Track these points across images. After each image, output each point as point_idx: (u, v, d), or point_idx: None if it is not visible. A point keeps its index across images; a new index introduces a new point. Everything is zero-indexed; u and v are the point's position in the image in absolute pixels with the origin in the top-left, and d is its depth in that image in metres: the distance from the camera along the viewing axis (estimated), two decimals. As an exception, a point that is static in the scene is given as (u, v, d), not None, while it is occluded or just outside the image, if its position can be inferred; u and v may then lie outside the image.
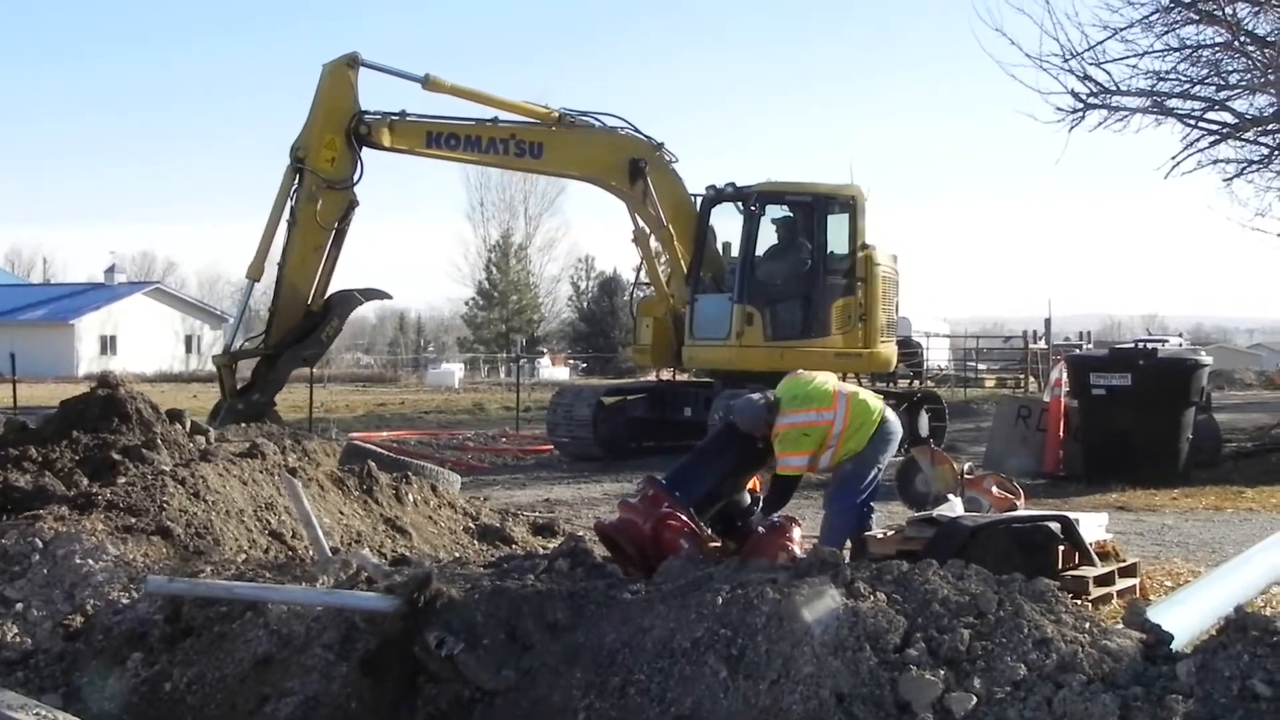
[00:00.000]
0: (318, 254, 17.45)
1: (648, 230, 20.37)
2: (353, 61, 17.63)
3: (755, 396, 9.14)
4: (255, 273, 18.05)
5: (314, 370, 23.26)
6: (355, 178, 17.68)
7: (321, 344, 17.99)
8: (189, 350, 75.41)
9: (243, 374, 17.97)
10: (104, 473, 9.27)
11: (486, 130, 18.92)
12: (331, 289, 17.82)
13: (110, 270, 79.11)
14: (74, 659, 6.65)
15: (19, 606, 7.08)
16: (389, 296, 19.35)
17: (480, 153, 19.37)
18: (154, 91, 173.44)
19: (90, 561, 7.37)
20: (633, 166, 19.81)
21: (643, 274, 22.32)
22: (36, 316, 71.08)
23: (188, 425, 11.21)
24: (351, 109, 17.52)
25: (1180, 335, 43.61)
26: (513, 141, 19.14)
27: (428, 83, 18.06)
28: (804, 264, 19.96)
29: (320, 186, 17.19)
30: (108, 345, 70.57)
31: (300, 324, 17.40)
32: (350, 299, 18.20)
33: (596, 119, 19.91)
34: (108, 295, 74.13)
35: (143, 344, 70.23)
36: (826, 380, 9.34)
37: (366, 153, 17.78)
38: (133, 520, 8.07)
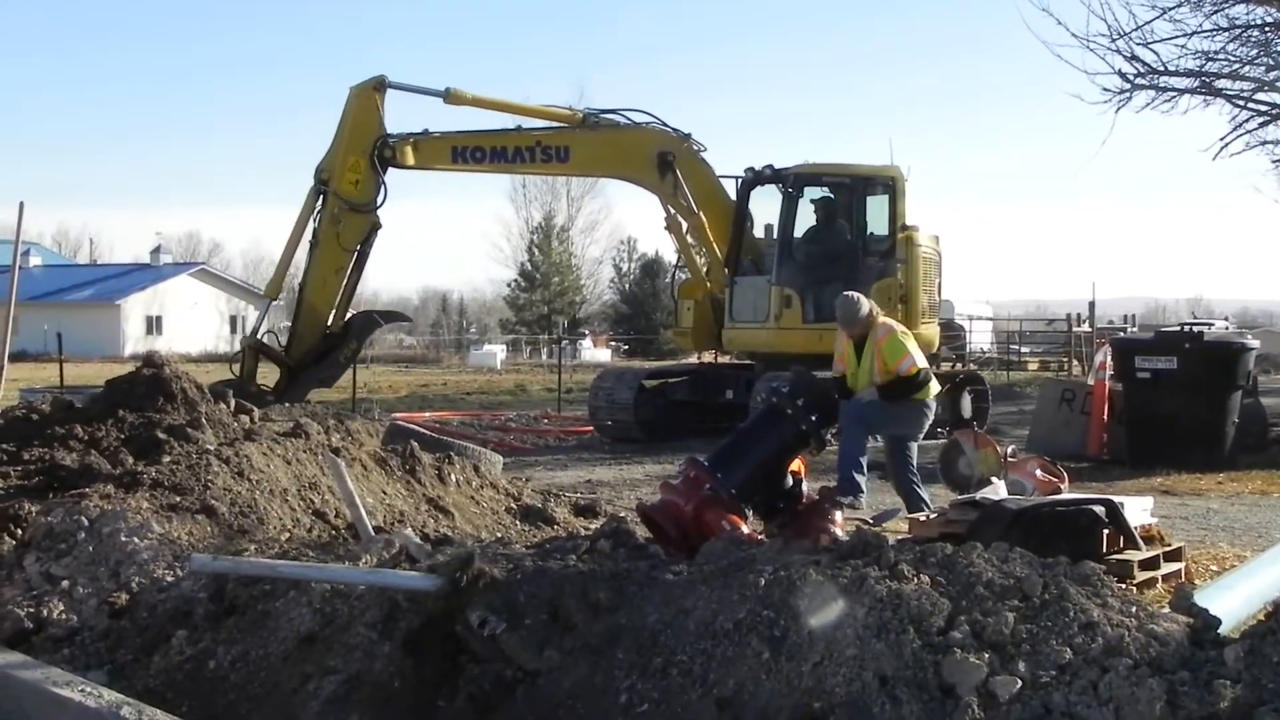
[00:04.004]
0: (339, 276, 17.51)
1: (680, 219, 20.38)
2: (380, 85, 17.67)
3: (853, 296, 10.60)
4: (274, 290, 18.19)
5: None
6: (379, 201, 17.71)
7: (340, 366, 18.08)
8: (234, 330, 75.68)
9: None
10: (149, 451, 9.33)
11: (511, 139, 18.92)
12: (353, 309, 17.92)
13: (156, 251, 79.78)
14: (119, 636, 6.70)
15: (65, 584, 7.14)
16: (408, 320, 19.60)
17: (507, 162, 19.41)
18: (200, 74, 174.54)
19: (135, 539, 7.42)
20: (661, 160, 19.81)
21: (680, 259, 22.34)
22: (83, 297, 71.66)
23: (232, 405, 11.27)
24: (376, 132, 17.55)
25: (1226, 319, 43.22)
26: (538, 148, 19.16)
27: (449, 96, 18.06)
28: (842, 246, 19.91)
29: (343, 209, 17.26)
30: (153, 325, 71.12)
31: (320, 345, 17.47)
32: (370, 322, 18.35)
33: (622, 116, 19.90)
34: (153, 276, 74.74)
35: (188, 324, 70.76)
36: None
37: (389, 174, 17.81)
38: (177, 499, 8.12)
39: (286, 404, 16.95)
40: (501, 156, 19.03)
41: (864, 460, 10.23)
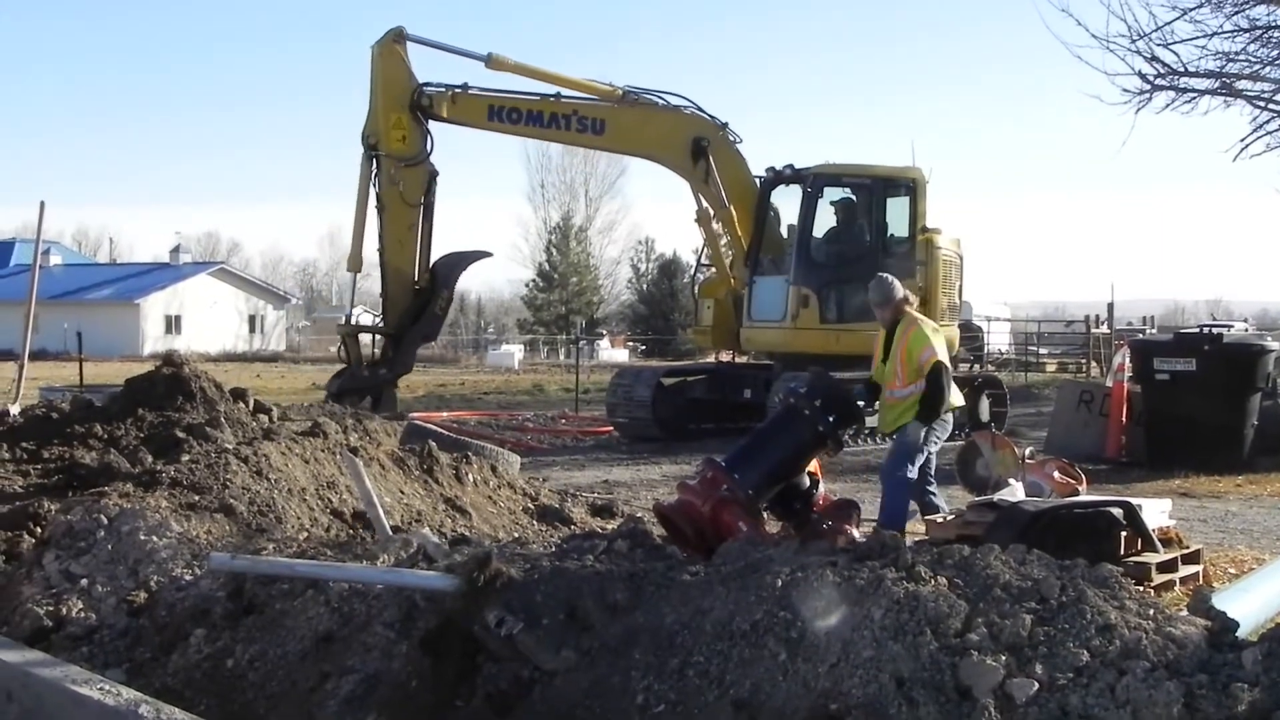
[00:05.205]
0: (412, 232, 17.73)
1: (710, 210, 20.34)
2: (399, 37, 17.70)
3: (887, 277, 10.45)
4: (355, 264, 18.34)
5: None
6: (428, 150, 17.83)
7: (438, 318, 18.33)
8: (252, 330, 76.06)
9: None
10: (168, 450, 9.37)
11: (549, 105, 18.93)
12: (432, 258, 18.05)
13: (175, 250, 79.90)
14: (137, 634, 6.73)
15: (84, 582, 7.17)
16: (490, 255, 19.51)
17: (542, 128, 19.42)
18: (219, 74, 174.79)
19: (154, 538, 7.45)
20: (695, 145, 19.76)
21: (705, 255, 22.29)
22: (103, 296, 71.79)
23: (250, 404, 11.32)
24: (410, 84, 17.62)
25: (1245, 320, 43.12)
26: (575, 117, 19.17)
27: (491, 61, 18.09)
28: (861, 246, 19.88)
29: (398, 167, 17.39)
30: (173, 325, 71.25)
31: (412, 303, 17.63)
32: (454, 266, 18.36)
33: (660, 97, 19.89)
34: (173, 275, 74.85)
35: (207, 323, 70.85)
36: None
37: (430, 125, 17.91)
38: (196, 498, 8.15)
39: (399, 372, 17.80)
40: (537, 121, 19.04)
41: (909, 493, 9.96)
